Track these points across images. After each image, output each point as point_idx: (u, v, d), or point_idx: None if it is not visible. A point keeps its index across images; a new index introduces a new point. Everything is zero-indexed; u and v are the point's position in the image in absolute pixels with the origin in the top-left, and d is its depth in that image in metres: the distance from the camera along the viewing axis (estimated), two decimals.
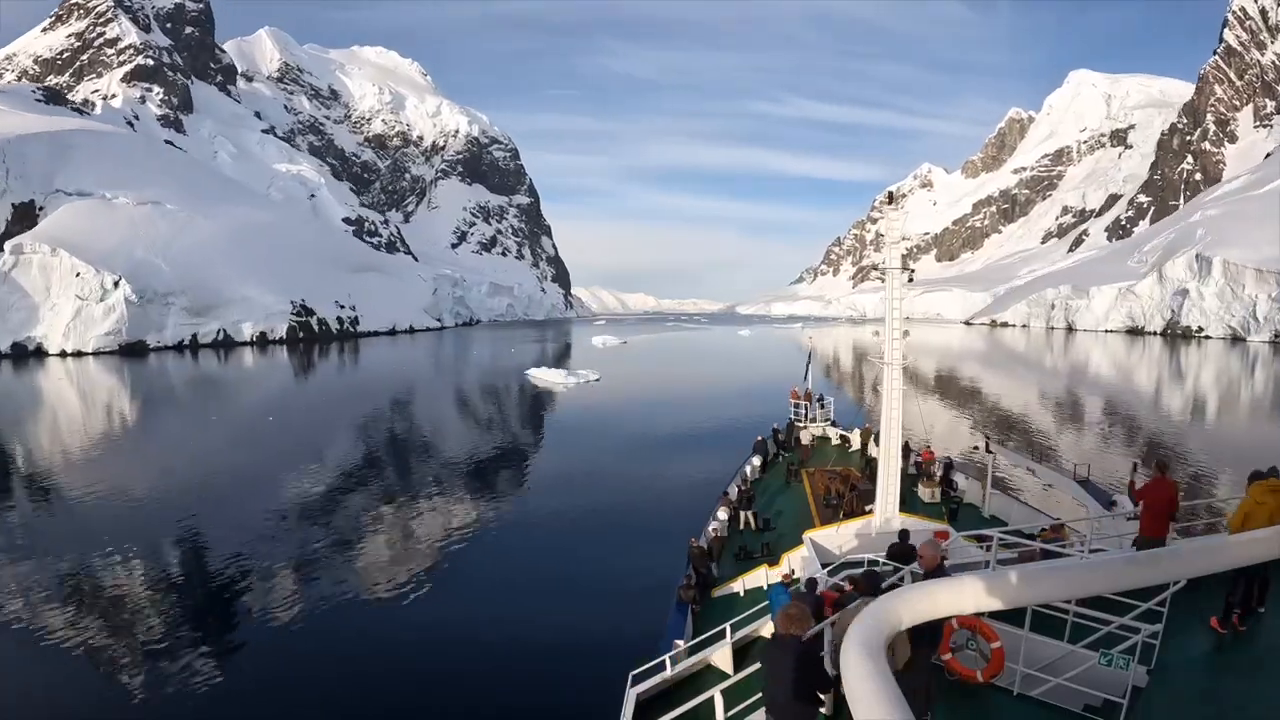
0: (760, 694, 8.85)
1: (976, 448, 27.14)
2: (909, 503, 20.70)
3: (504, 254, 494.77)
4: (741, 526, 23.30)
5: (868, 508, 19.42)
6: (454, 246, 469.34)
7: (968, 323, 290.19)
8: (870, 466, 25.18)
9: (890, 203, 19.92)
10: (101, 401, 76.00)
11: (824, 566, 14.83)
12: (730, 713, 9.85)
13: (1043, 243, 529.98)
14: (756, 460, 29.81)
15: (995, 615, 8.29)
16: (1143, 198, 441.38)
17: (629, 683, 11.90)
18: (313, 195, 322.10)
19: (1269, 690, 8.40)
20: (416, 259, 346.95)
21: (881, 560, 13.60)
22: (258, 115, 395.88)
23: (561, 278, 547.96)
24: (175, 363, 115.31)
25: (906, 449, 24.36)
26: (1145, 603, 9.19)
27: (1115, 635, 8.79)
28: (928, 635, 8.13)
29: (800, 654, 7.30)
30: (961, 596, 6.74)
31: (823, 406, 34.89)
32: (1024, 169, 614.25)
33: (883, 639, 5.41)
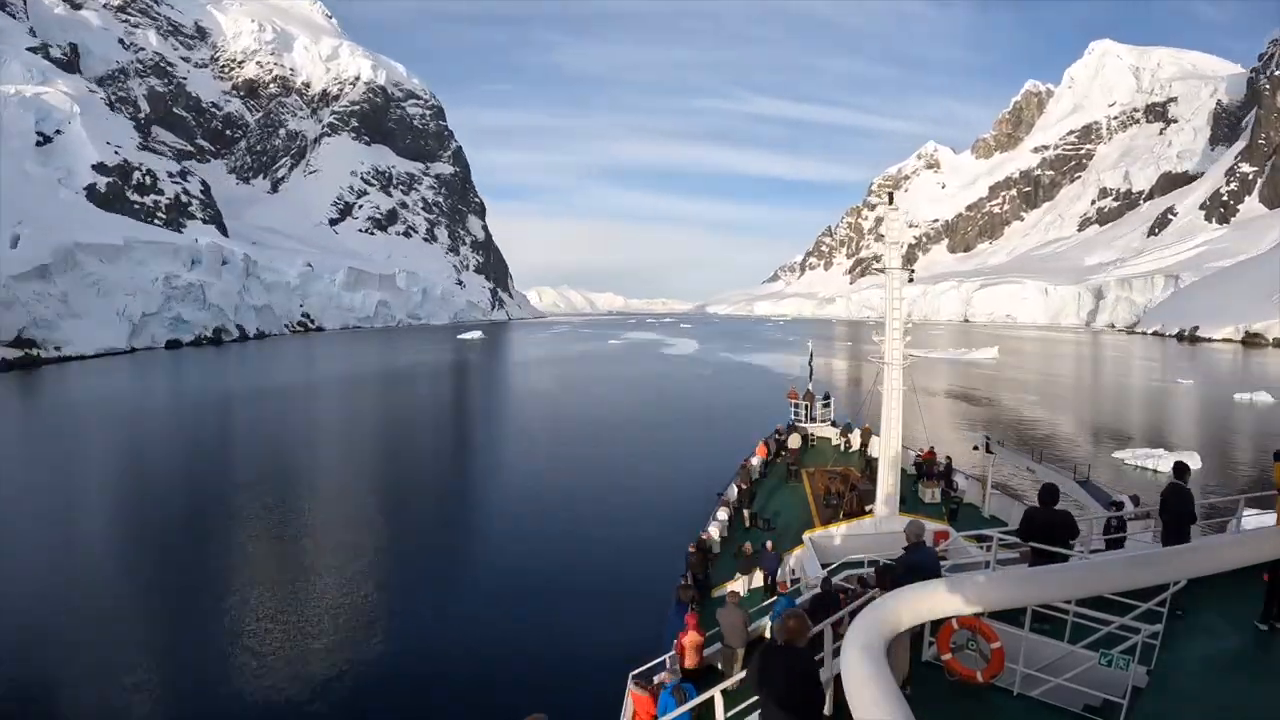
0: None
1: (976, 447, 24.73)
2: (909, 503, 20.64)
3: (407, 234, 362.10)
4: (741, 525, 22.71)
5: (868, 508, 19.18)
6: (333, 222, 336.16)
7: (1184, 336, 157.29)
8: (870, 466, 24.88)
9: (891, 202, 18.68)
10: None
11: (824, 566, 14.38)
12: (730, 713, 9.63)
13: (1080, 229, 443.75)
14: (756, 460, 28.48)
15: (995, 615, 8.29)
16: (1245, 167, 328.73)
17: (629, 682, 11.82)
18: (58, 131, 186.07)
19: (1269, 690, 8.13)
20: (227, 232, 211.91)
21: (883, 560, 13.03)
22: (70, 49, 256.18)
23: (494, 268, 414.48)
24: None
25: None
26: (1145, 603, 8.85)
27: (1115, 635, 8.42)
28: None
29: (804, 667, 6.80)
30: (961, 596, 6.84)
31: (826, 406, 33.67)
32: (1046, 148, 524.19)
33: (883, 639, 5.36)
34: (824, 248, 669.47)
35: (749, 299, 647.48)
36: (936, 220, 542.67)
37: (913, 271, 18.41)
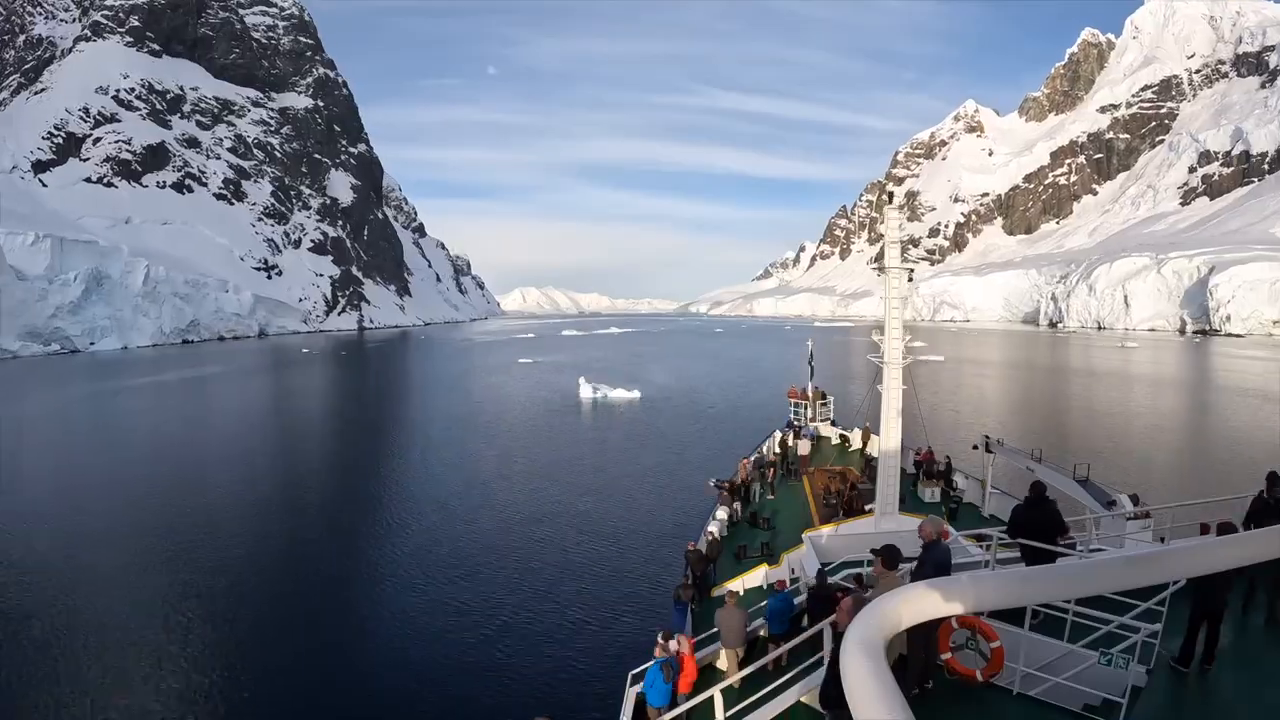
0: (759, 694, 9.39)
1: (976, 447, 23.16)
2: (909, 502, 20.06)
3: (184, 187, 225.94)
4: (741, 526, 21.89)
5: (867, 507, 18.65)
6: (41, 166, 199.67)
7: None
8: (870, 466, 24.25)
9: (890, 201, 17.51)
10: None
11: (824, 566, 14.25)
12: (730, 712, 9.55)
13: (1184, 203, 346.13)
14: (756, 459, 27.51)
15: (995, 615, 8.25)
16: None
17: (628, 682, 11.64)
18: None
19: (1266, 689, 8.18)
20: None
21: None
22: None
23: (375, 249, 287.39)
24: None
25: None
26: (1145, 602, 8.81)
27: (1115, 634, 8.39)
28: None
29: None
30: (961, 596, 6.77)
31: (825, 406, 33.35)
32: (1116, 106, 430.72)
33: (883, 639, 5.41)
34: (838, 231, 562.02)
35: (745, 297, 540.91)
36: (986, 194, 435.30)
37: (912, 270, 17.73)
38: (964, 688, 8.43)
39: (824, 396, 33.34)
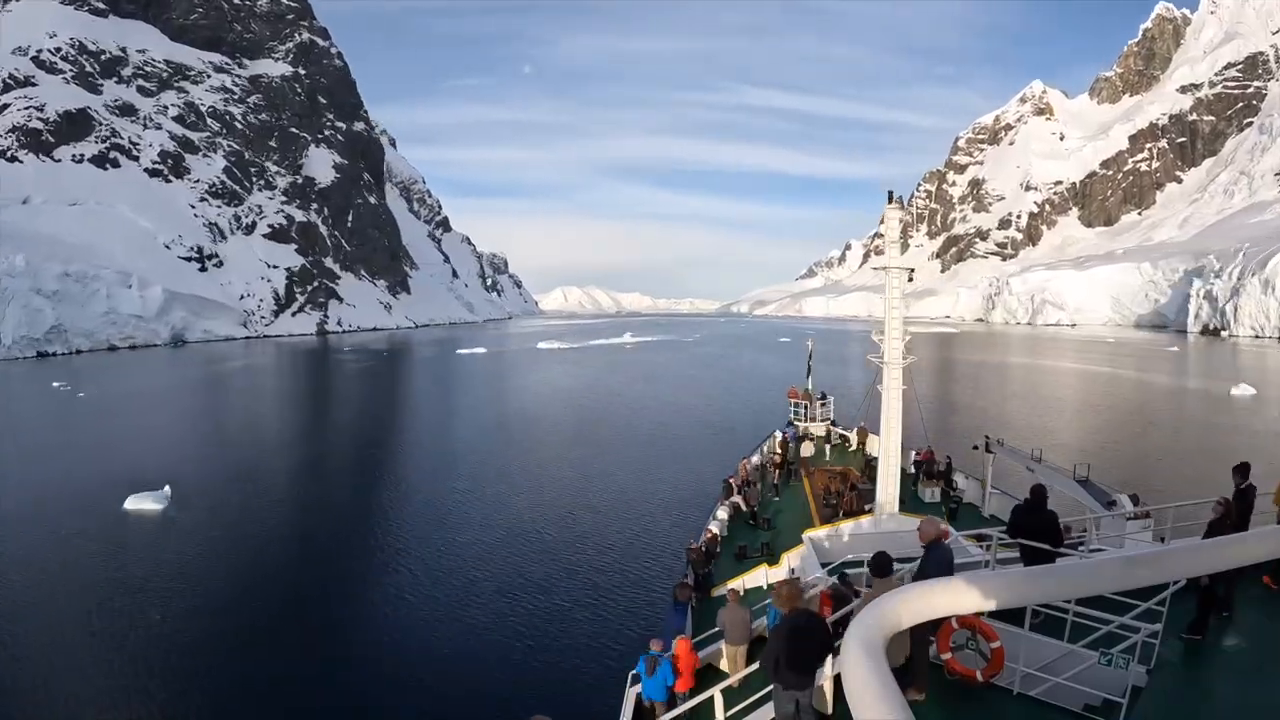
0: (760, 694, 9.32)
1: (976, 447, 23.83)
2: (909, 502, 20.09)
3: (109, 161, 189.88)
4: (741, 525, 21.90)
5: (867, 507, 18.75)
6: None
7: None
8: (869, 466, 24.45)
9: (891, 202, 17.54)
10: None
11: (823, 566, 14.47)
12: (730, 712, 9.62)
13: None
14: (756, 459, 27.91)
15: (995, 615, 8.25)
16: None
17: (629, 682, 11.63)
18: None
19: (1267, 689, 8.14)
20: None
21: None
22: None
23: (364, 242, 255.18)
24: None
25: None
26: (1145, 602, 8.79)
27: (1115, 635, 8.40)
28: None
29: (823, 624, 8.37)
30: (961, 596, 6.85)
31: (824, 405, 33.23)
32: (1198, 86, 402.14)
33: (883, 639, 5.39)
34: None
35: (793, 297, 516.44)
36: (1059, 182, 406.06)
37: (912, 271, 17.71)
38: (964, 688, 8.37)
39: (824, 396, 33.53)
